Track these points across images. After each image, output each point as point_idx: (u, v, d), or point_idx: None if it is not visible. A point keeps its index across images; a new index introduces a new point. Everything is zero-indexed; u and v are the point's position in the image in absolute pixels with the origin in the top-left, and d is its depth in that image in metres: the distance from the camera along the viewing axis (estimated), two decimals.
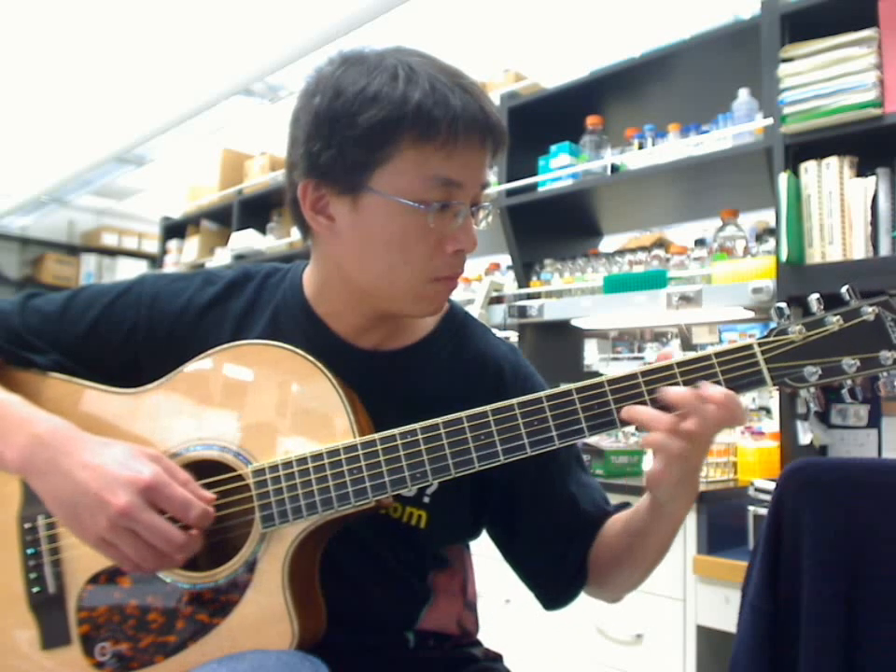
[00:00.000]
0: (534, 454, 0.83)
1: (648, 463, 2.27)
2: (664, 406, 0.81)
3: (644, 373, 0.82)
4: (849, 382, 0.80)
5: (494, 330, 1.09)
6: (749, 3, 2.10)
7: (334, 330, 0.96)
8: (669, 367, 0.82)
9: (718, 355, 0.81)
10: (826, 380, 0.80)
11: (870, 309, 0.79)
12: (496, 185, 2.66)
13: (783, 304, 0.82)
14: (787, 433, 1.89)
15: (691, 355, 0.83)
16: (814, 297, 0.81)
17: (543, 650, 2.08)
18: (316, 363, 0.89)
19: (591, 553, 0.99)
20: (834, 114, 1.83)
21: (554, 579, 1.01)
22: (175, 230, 4.41)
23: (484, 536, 1.05)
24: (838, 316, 0.80)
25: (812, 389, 0.81)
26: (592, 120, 2.54)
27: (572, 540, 0.99)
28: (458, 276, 0.92)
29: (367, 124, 0.83)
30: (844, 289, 0.80)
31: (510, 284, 2.74)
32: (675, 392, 0.80)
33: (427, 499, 0.95)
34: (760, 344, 0.81)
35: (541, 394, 0.84)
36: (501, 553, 1.05)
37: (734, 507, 1.85)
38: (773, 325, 0.83)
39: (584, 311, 2.39)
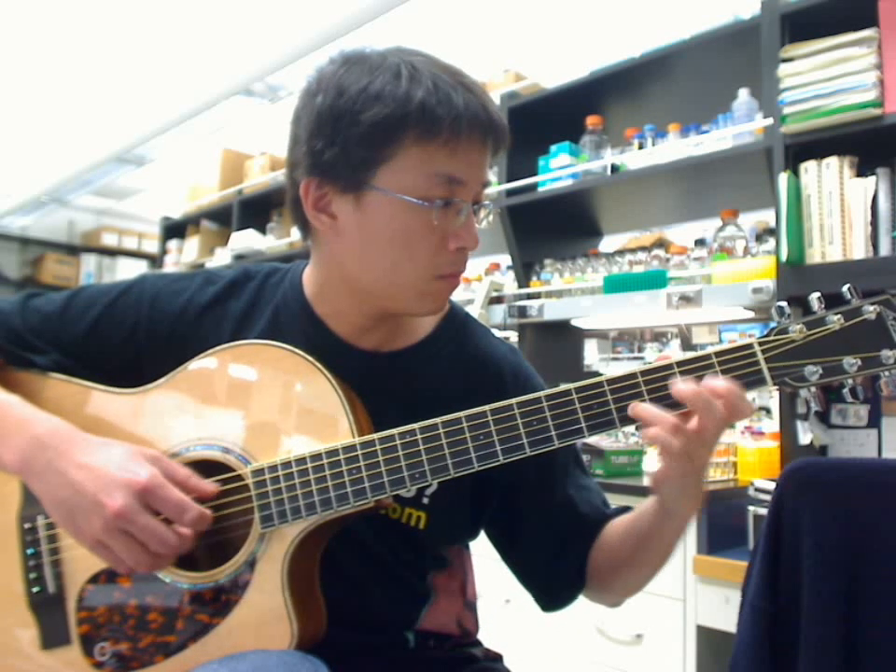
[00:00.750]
0: (533, 454, 0.83)
1: (648, 463, 2.27)
2: (670, 403, 0.80)
3: (643, 373, 0.82)
4: (850, 381, 0.79)
5: (494, 331, 1.09)
6: (749, 3, 2.09)
7: (334, 331, 0.96)
8: (669, 366, 0.81)
9: (718, 354, 0.81)
10: (827, 379, 0.79)
11: (871, 308, 0.78)
12: (496, 185, 2.65)
13: (784, 303, 0.81)
14: (787, 433, 1.89)
15: (691, 354, 0.82)
16: (815, 296, 0.81)
17: (543, 650, 2.08)
18: (316, 363, 0.89)
19: (590, 558, 0.99)
20: (834, 114, 1.83)
21: (552, 581, 1.01)
22: (174, 230, 4.41)
23: (484, 536, 1.05)
24: (839, 315, 0.79)
25: (812, 389, 0.80)
26: (592, 120, 2.54)
27: (571, 543, 0.99)
28: (461, 274, 0.93)
29: (370, 122, 0.83)
30: (845, 288, 0.80)
31: (510, 284, 2.74)
32: (680, 388, 0.78)
33: (426, 500, 0.95)
34: (760, 344, 0.81)
35: (540, 394, 0.83)
36: (499, 553, 1.05)
37: (734, 507, 1.85)
38: (773, 324, 0.82)
39: (584, 311, 2.39)
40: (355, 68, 0.86)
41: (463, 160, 0.85)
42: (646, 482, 2.10)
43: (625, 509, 1.01)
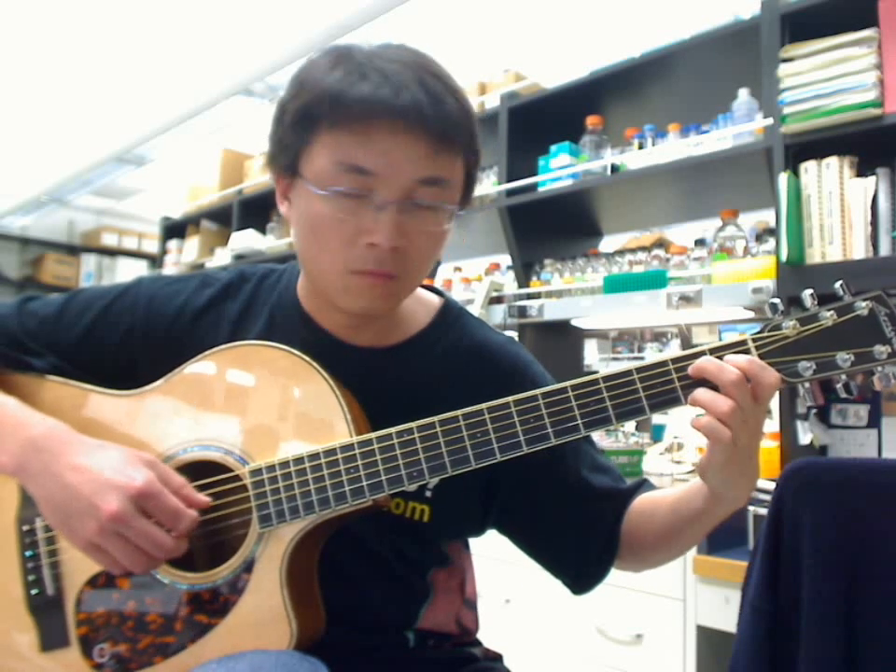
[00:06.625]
0: (530, 451, 0.83)
1: (649, 463, 2.28)
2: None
3: (639, 370, 0.82)
4: (844, 377, 0.79)
5: None
6: (748, 3, 2.09)
7: (326, 329, 0.96)
8: (664, 363, 0.82)
9: (713, 350, 0.81)
10: (821, 375, 0.79)
11: (863, 304, 0.79)
12: (495, 184, 2.65)
13: (776, 300, 0.82)
14: (787, 433, 1.89)
15: (687, 352, 0.82)
16: (807, 292, 0.81)
17: (543, 650, 2.07)
18: (313, 363, 0.89)
19: (623, 532, 0.96)
20: (834, 114, 1.83)
21: (580, 563, 0.99)
22: (174, 230, 4.40)
23: (485, 535, 1.05)
24: (832, 312, 0.80)
25: (807, 384, 0.81)
26: (592, 120, 2.54)
27: (595, 522, 0.97)
28: (383, 274, 0.86)
29: (293, 110, 0.86)
30: (837, 285, 0.80)
31: (510, 284, 2.74)
32: (703, 364, 0.78)
33: (428, 493, 0.94)
34: (754, 340, 0.81)
35: (537, 391, 0.83)
36: (523, 549, 1.03)
37: None
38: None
39: (584, 311, 2.39)
40: (319, 61, 0.87)
41: (377, 150, 0.82)
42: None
43: (644, 481, 1.00)
